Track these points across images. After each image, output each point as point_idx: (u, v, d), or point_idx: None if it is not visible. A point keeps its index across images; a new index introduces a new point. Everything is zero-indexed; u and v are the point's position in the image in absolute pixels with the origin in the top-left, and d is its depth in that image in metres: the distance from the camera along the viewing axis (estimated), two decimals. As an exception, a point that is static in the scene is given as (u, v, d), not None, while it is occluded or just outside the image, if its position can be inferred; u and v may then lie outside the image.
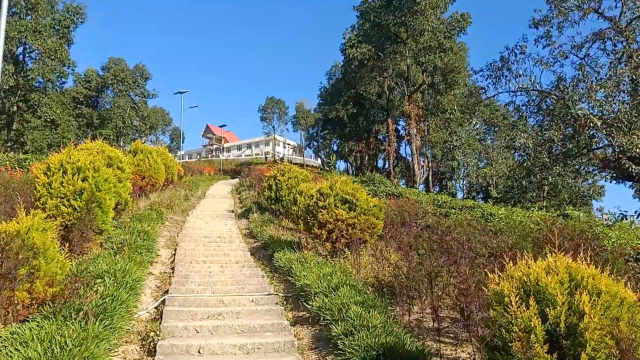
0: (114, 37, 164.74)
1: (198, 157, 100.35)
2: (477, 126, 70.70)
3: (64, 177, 9.56)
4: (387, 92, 57.41)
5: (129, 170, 13.65)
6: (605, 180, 26.88)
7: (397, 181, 56.86)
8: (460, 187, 73.59)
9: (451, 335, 6.48)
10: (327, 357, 6.00)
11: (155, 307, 7.52)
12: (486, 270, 6.48)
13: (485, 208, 17.13)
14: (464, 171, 71.01)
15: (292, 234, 14.44)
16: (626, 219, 21.42)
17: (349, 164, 79.86)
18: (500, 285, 4.31)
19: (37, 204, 9.44)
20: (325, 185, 11.19)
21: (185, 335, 6.31)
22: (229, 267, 10.29)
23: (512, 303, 4.04)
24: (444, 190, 60.98)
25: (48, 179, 9.57)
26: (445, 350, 6.04)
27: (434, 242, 8.16)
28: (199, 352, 5.82)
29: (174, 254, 11.18)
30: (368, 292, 7.85)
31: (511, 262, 4.62)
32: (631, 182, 26.43)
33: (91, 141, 13.74)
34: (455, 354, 5.87)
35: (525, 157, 29.80)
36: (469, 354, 5.87)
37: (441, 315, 6.90)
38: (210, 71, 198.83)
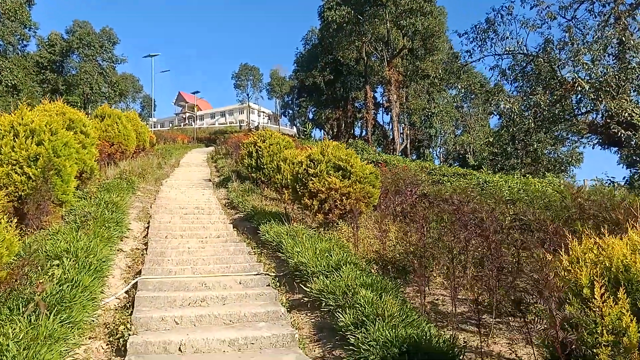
0: (79, 1, 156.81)
1: (170, 125, 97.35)
2: (457, 93, 70.30)
3: (15, 141, 8.22)
4: (365, 58, 55.86)
5: (94, 135, 12.29)
6: (592, 147, 26.43)
7: (374, 149, 56.02)
8: (437, 154, 73.28)
9: (473, 321, 5.57)
10: (334, 352, 5.03)
11: (126, 292, 6.41)
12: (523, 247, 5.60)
13: (478, 175, 16.34)
14: (441, 139, 70.70)
15: (277, 204, 13.37)
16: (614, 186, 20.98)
17: (324, 133, 78.49)
18: (573, 271, 3.34)
19: (-15, 173, 8.12)
20: (316, 150, 10.09)
21: (162, 329, 5.24)
22: (209, 242, 9.20)
23: (596, 296, 3.09)
24: (421, 158, 60.48)
25: (-3, 143, 8.21)
26: (473, 341, 5.13)
27: (445, 214, 7.20)
28: (179, 350, 4.77)
29: (147, 228, 10.02)
30: (372, 271, 6.88)
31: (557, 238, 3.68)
32: (617, 148, 26.14)
33: (50, 102, 12.26)
34: (487, 346, 4.97)
35: (509, 123, 29.19)
36: (503, 345, 4.97)
37: (458, 297, 6.00)
38: (181, 37, 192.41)
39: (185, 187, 16.11)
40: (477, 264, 6.34)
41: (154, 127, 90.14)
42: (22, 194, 8.02)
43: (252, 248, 8.88)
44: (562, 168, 41.48)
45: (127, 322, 5.18)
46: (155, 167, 19.52)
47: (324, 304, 5.78)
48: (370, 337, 4.59)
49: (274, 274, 7.40)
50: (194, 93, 71.65)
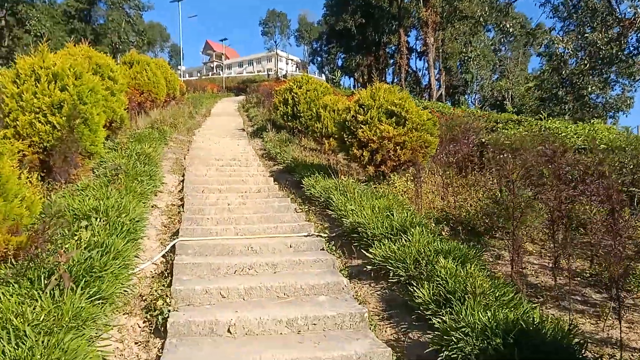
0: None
1: (199, 75, 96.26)
2: (495, 35, 66.64)
3: (37, 86, 7.41)
4: (399, -1, 53.05)
5: (123, 81, 11.42)
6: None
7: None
8: (472, 101, 70.46)
9: (577, 297, 4.63)
10: (411, 335, 4.19)
11: (163, 256, 5.67)
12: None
13: (535, 122, 14.87)
14: (477, 85, 67.70)
15: (317, 155, 12.46)
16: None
17: (354, 80, 76.15)
18: None
19: (7, 121, 7.38)
20: (365, 94, 8.99)
21: (206, 303, 4.48)
22: (250, 197, 8.38)
23: None
24: (456, 105, 58.18)
25: (18, 88, 7.42)
26: (583, 324, 4.20)
27: (529, 165, 6.12)
28: (229, 331, 3.99)
29: (182, 181, 9.26)
30: (443, 233, 5.95)
31: None
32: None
33: (74, 45, 11.38)
34: (602, 331, 4.04)
35: (560, 64, 27.04)
36: (623, 330, 4.03)
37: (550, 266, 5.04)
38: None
39: (219, 137, 15.30)
40: (578, 227, 5.34)
41: (183, 77, 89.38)
42: (47, 145, 7.30)
43: (297, 205, 8.02)
44: (610, 114, 38.86)
45: (166, 295, 4.42)
46: (186, 116, 18.73)
47: (391, 274, 4.91)
48: (461, 321, 3.70)
49: (327, 235, 6.55)
50: (221, 41, 70.20)
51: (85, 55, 10.89)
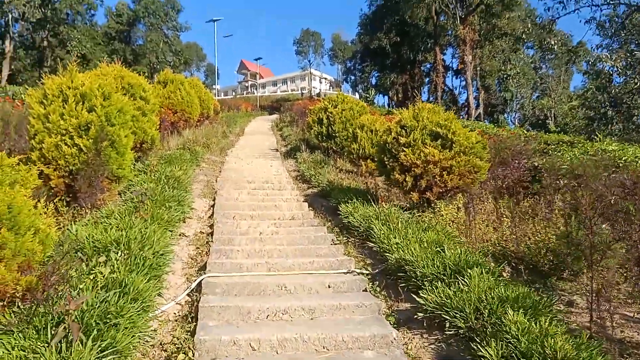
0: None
1: (233, 94, 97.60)
2: (535, 53, 65.03)
3: (64, 107, 7.08)
4: (435, 17, 52.42)
5: (155, 101, 11.15)
6: None
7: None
8: (511, 120, 68.69)
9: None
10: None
11: (188, 294, 5.13)
12: None
13: (589, 144, 13.84)
14: (517, 103, 65.99)
15: (353, 177, 11.85)
16: None
17: (389, 98, 75.47)
18: None
19: (33, 144, 7.08)
20: (407, 114, 8.36)
21: (234, 356, 3.88)
22: (284, 225, 7.82)
23: None
24: (495, 124, 56.64)
25: (44, 109, 7.12)
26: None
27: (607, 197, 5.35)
28: (259, 397, 3.39)
29: (213, 206, 8.79)
30: (504, 274, 5.22)
31: None
32: None
33: (107, 65, 11.19)
34: None
35: (607, 83, 25.74)
36: None
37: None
38: (243, 6, 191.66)
39: (252, 158, 14.89)
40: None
41: (218, 96, 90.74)
42: (73, 168, 6.94)
43: (335, 235, 7.38)
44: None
45: (189, 347, 3.86)
46: (220, 135, 18.47)
47: (447, 324, 4.23)
48: (544, 397, 2.99)
49: (368, 273, 5.89)
50: (256, 60, 70.70)
51: (117, 74, 10.66)
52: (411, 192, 7.92)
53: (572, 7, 24.21)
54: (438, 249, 5.56)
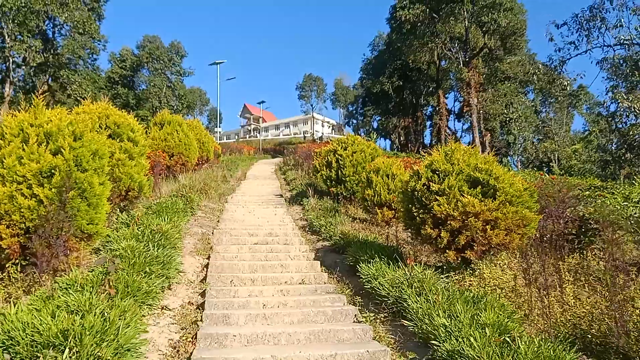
0: (150, 15, 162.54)
1: (236, 137, 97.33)
2: (535, 97, 64.95)
3: (23, 149, 5.78)
4: (438, 61, 52.33)
5: (145, 143, 9.88)
6: None
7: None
8: (514, 163, 67.91)
9: None
10: None
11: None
12: None
13: (621, 188, 12.53)
14: (520, 146, 65.36)
15: (368, 227, 10.46)
16: None
17: (390, 142, 74.86)
18: None
19: (-15, 194, 5.74)
20: (439, 156, 7.02)
21: None
22: (292, 291, 6.36)
23: None
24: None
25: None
26: None
27: None
28: None
29: (207, 266, 7.35)
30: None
31: None
32: None
33: (92, 102, 9.98)
34: None
35: (621, 124, 24.63)
36: None
37: None
38: (246, 50, 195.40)
39: (254, 205, 13.51)
40: None
41: (220, 139, 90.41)
42: (30, 225, 5.58)
43: (358, 308, 5.89)
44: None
45: None
46: (219, 180, 17.16)
47: None
48: None
49: (409, 367, 4.40)
50: (259, 103, 70.52)
51: (102, 113, 9.45)
52: (447, 250, 6.49)
53: (584, 48, 23.42)
54: (505, 336, 4.09)
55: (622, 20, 20.43)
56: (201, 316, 5.31)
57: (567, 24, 23.08)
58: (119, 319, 4.23)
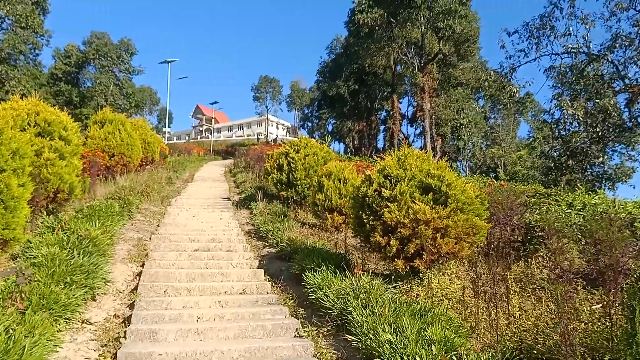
0: (102, 14, 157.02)
1: (187, 138, 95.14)
2: (484, 104, 66.98)
3: None
4: (394, 66, 52.90)
5: (78, 142, 9.16)
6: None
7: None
8: (462, 168, 69.56)
9: None
10: None
11: None
12: None
13: (565, 195, 12.73)
14: (469, 152, 66.99)
15: (317, 232, 10.12)
16: None
17: (345, 145, 75.16)
18: None
19: None
20: (391, 161, 6.74)
21: None
22: (231, 303, 5.90)
23: None
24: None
25: None
26: None
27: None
28: None
29: (140, 275, 6.77)
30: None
31: None
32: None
33: (21, 98, 9.18)
34: None
35: (564, 131, 25.44)
36: None
37: None
38: (201, 49, 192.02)
39: (199, 208, 12.90)
40: None
41: (170, 140, 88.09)
42: None
43: (300, 320, 5.49)
44: (608, 184, 36.95)
45: None
46: (164, 182, 16.41)
47: None
48: None
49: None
50: (212, 104, 69.28)
51: (31, 109, 8.69)
52: (395, 259, 6.20)
53: (533, 56, 24.07)
54: (452, 354, 3.81)
55: (571, 28, 21.04)
56: (125, 332, 4.77)
57: (518, 32, 23.69)
58: (27, 337, 3.68)
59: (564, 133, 23.40)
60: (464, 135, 60.59)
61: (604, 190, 29.25)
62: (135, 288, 6.25)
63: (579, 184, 13.92)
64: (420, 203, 6.10)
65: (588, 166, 23.39)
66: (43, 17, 47.21)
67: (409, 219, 6.04)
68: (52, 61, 63.97)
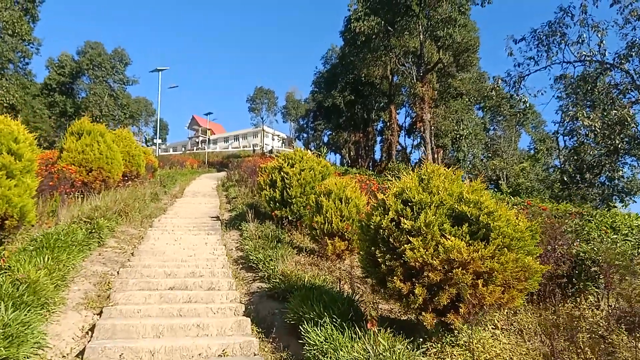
0: (95, 24, 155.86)
1: (183, 149, 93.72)
2: (484, 115, 65.96)
3: None
4: (391, 76, 51.76)
5: (31, 157, 7.69)
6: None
7: (400, 175, 50.82)
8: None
9: None
10: None
11: None
12: None
13: (600, 213, 11.32)
14: (469, 163, 65.80)
15: (315, 260, 8.69)
16: None
17: (341, 156, 73.77)
18: None
19: None
20: (411, 182, 5.26)
21: None
22: (205, 375, 4.43)
23: None
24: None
25: None
26: None
27: None
28: None
29: (93, 328, 5.29)
30: None
31: None
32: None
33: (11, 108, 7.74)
34: None
35: (577, 143, 24.19)
36: None
37: None
38: (197, 61, 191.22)
39: (183, 230, 11.42)
40: None
41: (166, 151, 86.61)
42: None
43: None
44: (628, 199, 35.65)
45: None
46: (147, 199, 14.90)
47: None
48: None
49: None
50: (207, 114, 67.92)
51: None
52: (423, 312, 4.73)
53: (544, 64, 22.80)
54: None
55: (584, 35, 19.74)
56: None
57: (526, 39, 22.46)
58: None
59: (577, 145, 22.07)
60: (464, 146, 59.44)
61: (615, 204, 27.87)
62: (82, 352, 4.76)
63: (611, 202, 12.54)
64: (453, 238, 4.64)
65: (605, 180, 22.15)
66: (33, 24, 46.00)
67: (439, 260, 4.58)
68: (44, 71, 63.05)
